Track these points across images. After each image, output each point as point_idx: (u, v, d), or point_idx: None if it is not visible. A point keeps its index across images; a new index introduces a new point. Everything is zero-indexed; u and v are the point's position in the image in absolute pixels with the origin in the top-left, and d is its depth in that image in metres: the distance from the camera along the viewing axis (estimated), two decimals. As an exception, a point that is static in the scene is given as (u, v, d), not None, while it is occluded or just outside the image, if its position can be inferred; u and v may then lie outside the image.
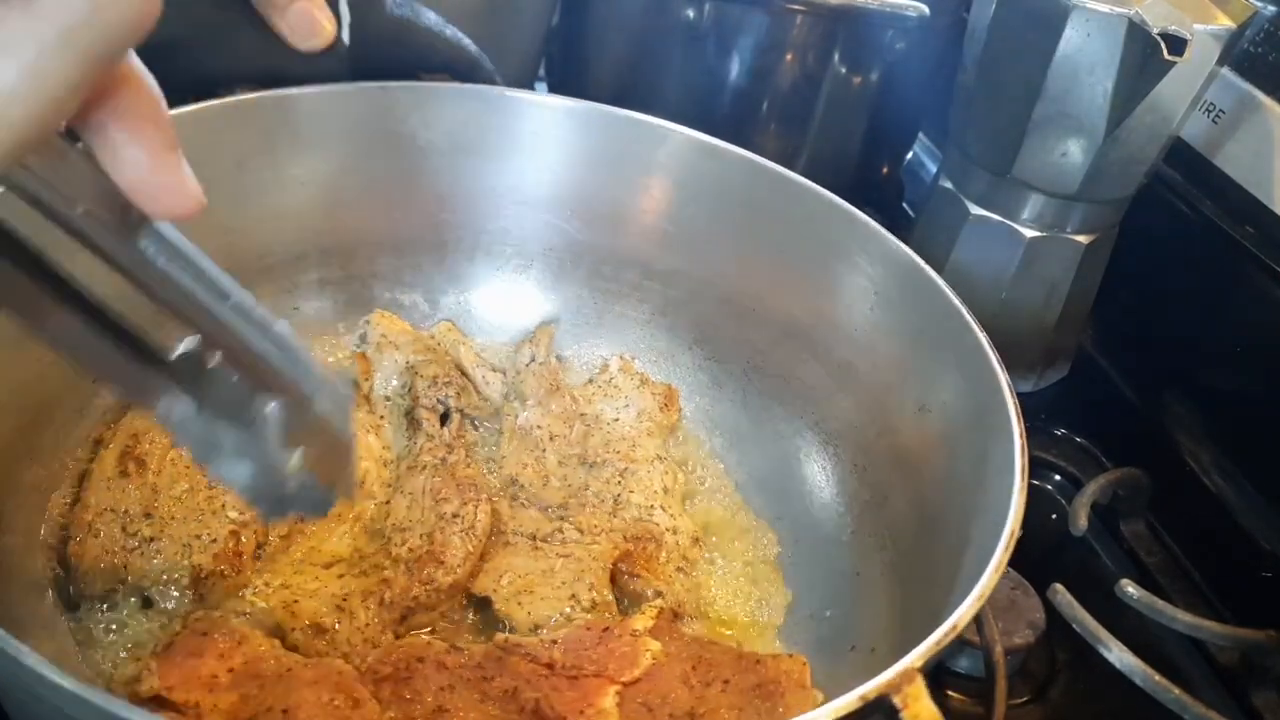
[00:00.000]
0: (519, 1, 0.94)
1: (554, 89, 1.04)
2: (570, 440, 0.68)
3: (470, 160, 0.72)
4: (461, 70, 0.72)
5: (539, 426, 0.68)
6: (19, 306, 0.32)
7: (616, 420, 0.70)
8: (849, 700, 0.39)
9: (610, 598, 0.58)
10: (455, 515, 0.59)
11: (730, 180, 0.71)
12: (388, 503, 0.62)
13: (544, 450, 0.67)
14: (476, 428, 0.69)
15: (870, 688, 0.39)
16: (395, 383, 0.69)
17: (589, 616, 0.56)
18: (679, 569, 0.62)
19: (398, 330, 0.71)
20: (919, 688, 0.40)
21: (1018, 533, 0.47)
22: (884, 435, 0.64)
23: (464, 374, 0.71)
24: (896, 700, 0.40)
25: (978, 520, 0.52)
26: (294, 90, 0.66)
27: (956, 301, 0.60)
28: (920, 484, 0.60)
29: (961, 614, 0.43)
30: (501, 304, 0.76)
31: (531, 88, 0.98)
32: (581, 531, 0.61)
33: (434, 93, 0.71)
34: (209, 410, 0.36)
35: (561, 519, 0.62)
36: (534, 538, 0.61)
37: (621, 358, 0.74)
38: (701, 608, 0.61)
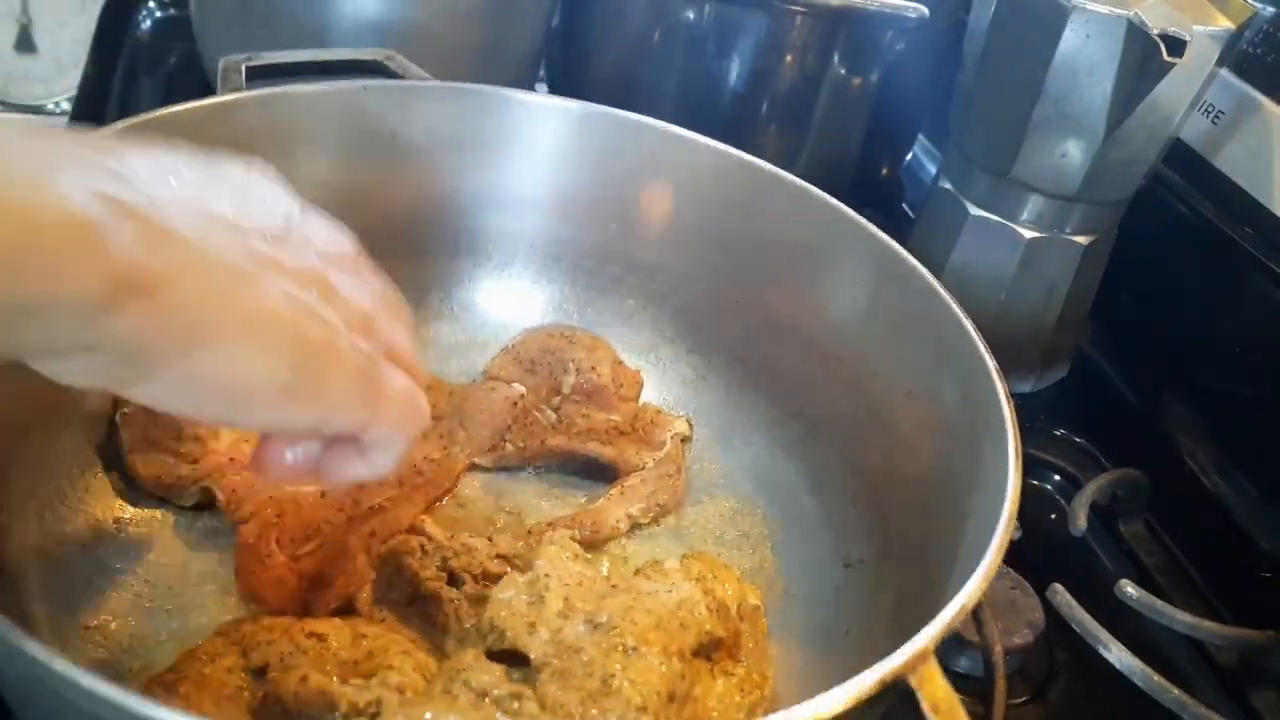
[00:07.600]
0: (519, 2, 0.94)
1: (554, 89, 1.05)
2: (585, 591, 0.53)
3: (449, 157, 0.73)
4: None
5: (548, 574, 0.54)
6: None
7: (653, 594, 0.54)
8: (867, 683, 0.38)
9: None
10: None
11: (707, 173, 0.71)
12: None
13: (546, 591, 0.53)
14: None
15: (886, 670, 0.39)
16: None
17: None
18: None
19: None
20: (933, 668, 0.39)
21: (1015, 512, 0.47)
22: (871, 424, 0.65)
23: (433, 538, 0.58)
24: (912, 681, 0.39)
25: (972, 503, 0.52)
26: (278, 89, 0.66)
27: (935, 284, 0.61)
28: (910, 473, 0.61)
29: (969, 592, 0.43)
30: (485, 301, 0.76)
31: (531, 88, 0.98)
32: (543, 708, 0.47)
33: (412, 91, 0.71)
34: None
35: (526, 682, 0.49)
36: (483, 695, 0.47)
37: (685, 556, 0.60)
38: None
